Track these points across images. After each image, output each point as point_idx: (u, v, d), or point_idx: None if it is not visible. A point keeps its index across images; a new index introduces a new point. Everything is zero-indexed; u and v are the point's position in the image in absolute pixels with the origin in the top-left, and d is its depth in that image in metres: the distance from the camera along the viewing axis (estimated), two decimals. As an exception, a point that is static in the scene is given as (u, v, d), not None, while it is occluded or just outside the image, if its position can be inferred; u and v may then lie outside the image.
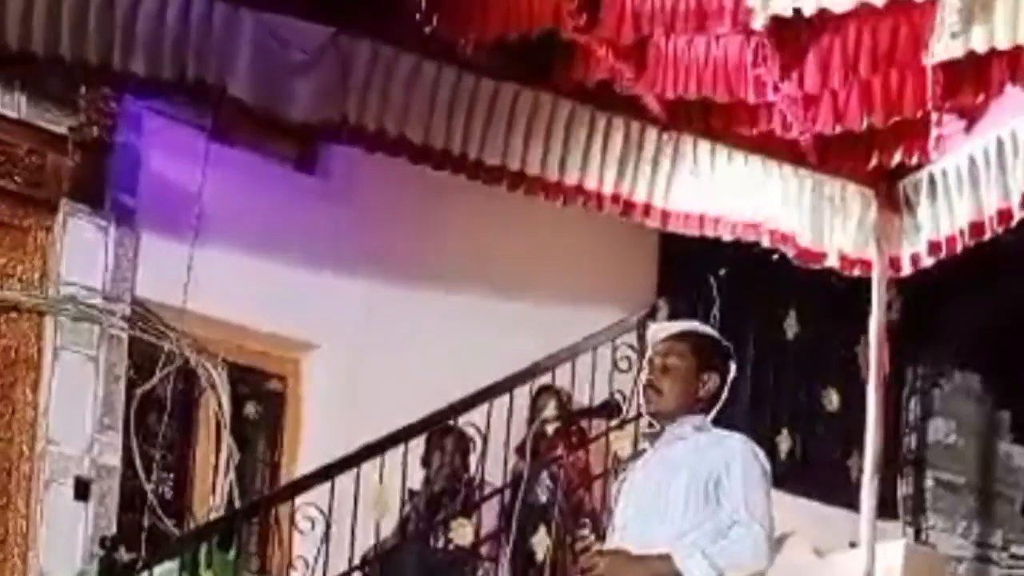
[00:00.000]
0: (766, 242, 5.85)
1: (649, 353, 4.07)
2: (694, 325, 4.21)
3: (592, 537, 4.06)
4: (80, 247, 6.43)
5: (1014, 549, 7.76)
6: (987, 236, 5.33)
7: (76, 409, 6.38)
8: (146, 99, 6.21)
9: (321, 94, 5.07)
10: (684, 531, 3.90)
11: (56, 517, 6.26)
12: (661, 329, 4.14)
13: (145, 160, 6.59)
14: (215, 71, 4.93)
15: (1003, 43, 4.59)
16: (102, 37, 4.74)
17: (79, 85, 6.06)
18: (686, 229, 5.80)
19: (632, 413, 6.34)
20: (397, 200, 7.13)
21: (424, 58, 5.21)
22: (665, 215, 5.76)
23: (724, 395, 4.02)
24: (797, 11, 4.65)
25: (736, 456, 3.96)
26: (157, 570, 5.81)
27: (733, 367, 4.09)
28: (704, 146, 5.64)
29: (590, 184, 5.57)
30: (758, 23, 4.72)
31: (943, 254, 5.57)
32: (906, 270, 5.83)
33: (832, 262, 5.91)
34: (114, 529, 6.29)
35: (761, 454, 4.04)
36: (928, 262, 5.66)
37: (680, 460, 3.98)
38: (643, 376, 4.07)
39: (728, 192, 5.73)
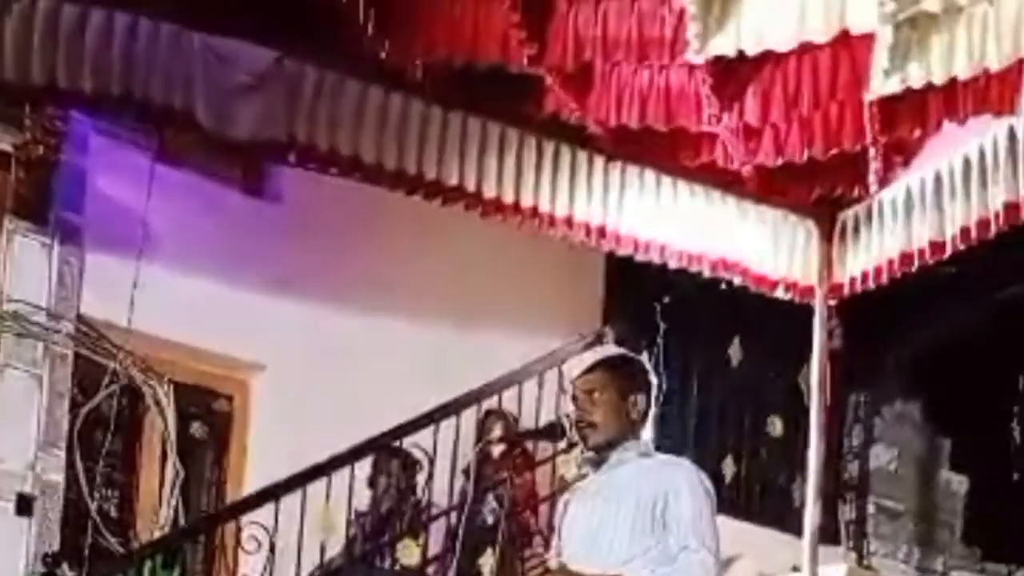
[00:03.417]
0: (711, 272, 5.90)
1: (571, 390, 4.09)
2: (608, 352, 4.23)
3: (543, 554, 4.05)
4: (24, 264, 6.42)
5: (954, 575, 7.83)
6: (915, 267, 5.40)
7: (20, 426, 6.36)
8: (93, 118, 6.21)
9: (268, 115, 5.07)
10: (632, 556, 3.92)
11: (-1, 533, 6.25)
12: (578, 364, 4.13)
13: (91, 179, 6.60)
14: (162, 90, 4.94)
15: (939, 78, 4.65)
16: (46, 56, 4.74)
17: (24, 104, 6.07)
18: (636, 255, 5.85)
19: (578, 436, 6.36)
20: (344, 224, 7.15)
21: (370, 84, 5.23)
22: (617, 240, 5.80)
23: (652, 410, 4.07)
24: (740, 52, 4.71)
25: (683, 481, 3.98)
26: (99, 588, 5.82)
27: (654, 380, 4.13)
28: (649, 176, 5.68)
29: (544, 207, 5.60)
30: (697, 57, 4.77)
31: (872, 284, 5.64)
32: (840, 297, 5.90)
33: (780, 290, 5.98)
34: (57, 546, 6.27)
35: (706, 479, 4.06)
36: (859, 290, 5.74)
37: (625, 485, 3.99)
38: (572, 415, 4.07)
39: (673, 221, 5.78)
